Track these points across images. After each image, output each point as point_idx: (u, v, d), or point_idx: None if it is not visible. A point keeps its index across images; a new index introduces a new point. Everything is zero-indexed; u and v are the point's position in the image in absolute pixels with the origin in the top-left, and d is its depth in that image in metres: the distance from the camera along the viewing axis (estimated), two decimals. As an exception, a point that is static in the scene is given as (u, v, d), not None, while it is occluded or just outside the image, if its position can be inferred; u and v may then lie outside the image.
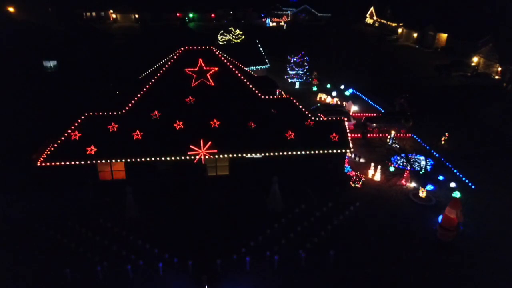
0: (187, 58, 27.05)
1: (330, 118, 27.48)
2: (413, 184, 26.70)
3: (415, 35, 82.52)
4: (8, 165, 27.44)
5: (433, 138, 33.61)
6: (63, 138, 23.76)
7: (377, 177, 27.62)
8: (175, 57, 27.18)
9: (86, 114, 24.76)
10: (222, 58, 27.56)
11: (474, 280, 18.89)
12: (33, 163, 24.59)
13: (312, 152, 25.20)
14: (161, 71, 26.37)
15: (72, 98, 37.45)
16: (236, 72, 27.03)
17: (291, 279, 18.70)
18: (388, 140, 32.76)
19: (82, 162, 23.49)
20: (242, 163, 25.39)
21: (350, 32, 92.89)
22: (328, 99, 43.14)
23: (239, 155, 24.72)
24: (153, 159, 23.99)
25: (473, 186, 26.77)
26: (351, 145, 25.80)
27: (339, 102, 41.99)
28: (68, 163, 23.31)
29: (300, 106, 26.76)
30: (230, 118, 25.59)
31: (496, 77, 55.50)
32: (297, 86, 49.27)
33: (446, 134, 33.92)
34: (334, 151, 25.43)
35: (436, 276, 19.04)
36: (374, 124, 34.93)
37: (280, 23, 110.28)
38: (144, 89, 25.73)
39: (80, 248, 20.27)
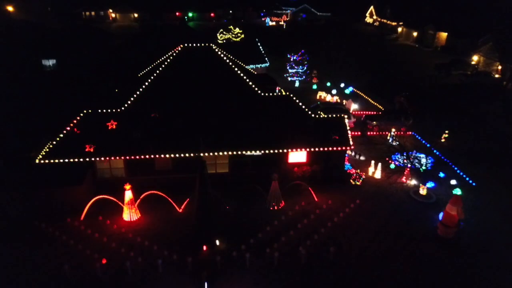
0: (187, 56, 26.99)
1: (330, 116, 27.39)
2: (413, 182, 26.61)
3: (415, 34, 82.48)
4: (7, 162, 27.29)
5: (433, 136, 33.53)
6: (62, 135, 23.65)
7: (378, 174, 27.53)
8: (174, 54, 27.10)
9: (85, 111, 24.65)
10: (222, 55, 27.48)
11: (474, 277, 18.79)
12: (32, 160, 24.46)
13: (312, 149, 25.10)
14: (160, 69, 26.29)
15: (71, 96, 37.34)
16: (236, 69, 26.93)
17: (291, 276, 18.59)
18: (388, 138, 32.71)
19: (81, 160, 23.39)
20: (241, 161, 25.29)
21: (350, 31, 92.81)
22: (328, 97, 43.04)
23: (239, 152, 24.62)
24: (152, 156, 23.87)
25: (473, 184, 26.68)
26: (351, 143, 25.71)
27: (339, 100, 41.91)
28: (67, 160, 23.21)
29: (300, 104, 26.67)
30: (230, 115, 25.49)
31: (496, 76, 55.44)
32: (296, 84, 49.21)
33: (446, 132, 33.89)
34: (335, 148, 25.33)
35: (436, 273, 18.93)
36: (374, 122, 34.88)
37: (280, 23, 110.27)
38: (143, 87, 25.64)
39: (79, 245, 20.14)
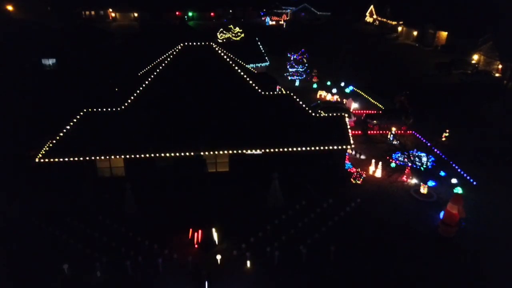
0: (187, 54, 26.95)
1: (330, 115, 27.34)
2: (414, 181, 26.56)
3: (415, 33, 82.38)
4: (7, 162, 27.27)
5: (434, 135, 33.48)
6: (61, 134, 23.60)
7: (378, 173, 27.48)
8: (174, 53, 27.05)
9: (85, 110, 24.60)
10: (222, 54, 27.44)
11: (475, 276, 18.74)
12: (31, 159, 24.43)
13: (313, 148, 25.04)
14: (161, 68, 26.24)
15: (71, 95, 37.31)
16: (236, 68, 26.88)
17: (291, 275, 18.55)
18: (388, 137, 32.69)
19: (81, 159, 23.33)
20: (242, 160, 25.24)
21: (350, 31, 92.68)
22: (328, 97, 42.99)
23: (239, 151, 24.56)
24: (152, 155, 23.82)
25: (474, 183, 26.63)
26: (351, 142, 25.64)
27: (339, 99, 41.84)
28: (67, 159, 23.17)
29: (301, 102, 26.61)
30: (230, 114, 25.44)
31: (497, 75, 55.36)
32: (297, 83, 49.15)
33: (447, 130, 33.84)
34: (335, 147, 25.27)
35: (437, 272, 18.90)
36: (375, 121, 34.85)
37: (280, 22, 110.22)
38: (143, 86, 25.59)
39: (79, 244, 20.12)
